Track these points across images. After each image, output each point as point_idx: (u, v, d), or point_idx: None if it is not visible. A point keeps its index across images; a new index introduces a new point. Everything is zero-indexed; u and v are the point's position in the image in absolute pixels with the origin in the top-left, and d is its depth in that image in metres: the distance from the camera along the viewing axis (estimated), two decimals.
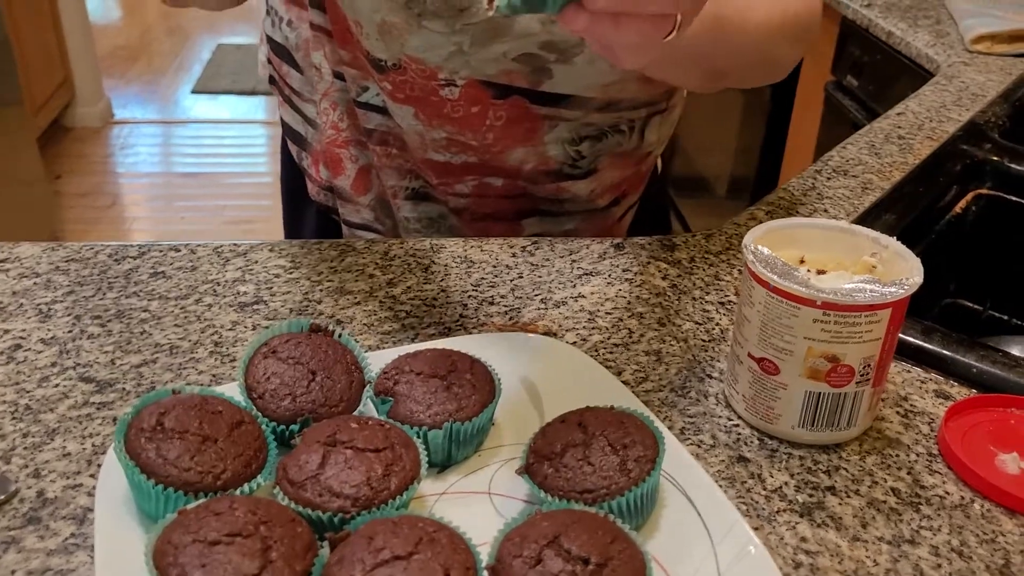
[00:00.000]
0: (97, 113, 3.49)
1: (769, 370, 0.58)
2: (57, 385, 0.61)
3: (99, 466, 0.54)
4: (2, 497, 0.52)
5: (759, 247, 0.58)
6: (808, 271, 0.58)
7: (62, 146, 3.32)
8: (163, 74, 4.07)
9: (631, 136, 0.85)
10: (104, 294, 0.71)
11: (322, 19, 0.81)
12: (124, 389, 0.61)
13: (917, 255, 0.59)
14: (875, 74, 1.62)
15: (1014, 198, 0.97)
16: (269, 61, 0.96)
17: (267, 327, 0.64)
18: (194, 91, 3.89)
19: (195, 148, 3.44)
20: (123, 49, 4.30)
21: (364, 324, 0.69)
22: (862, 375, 0.57)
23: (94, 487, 0.53)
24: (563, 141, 0.82)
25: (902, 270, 0.58)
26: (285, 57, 0.90)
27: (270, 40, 0.93)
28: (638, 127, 0.85)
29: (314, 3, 0.81)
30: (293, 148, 0.95)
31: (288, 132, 0.96)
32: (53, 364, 0.63)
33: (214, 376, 0.63)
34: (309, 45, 0.85)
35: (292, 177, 0.98)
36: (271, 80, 0.97)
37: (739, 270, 0.78)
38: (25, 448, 0.56)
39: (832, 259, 0.61)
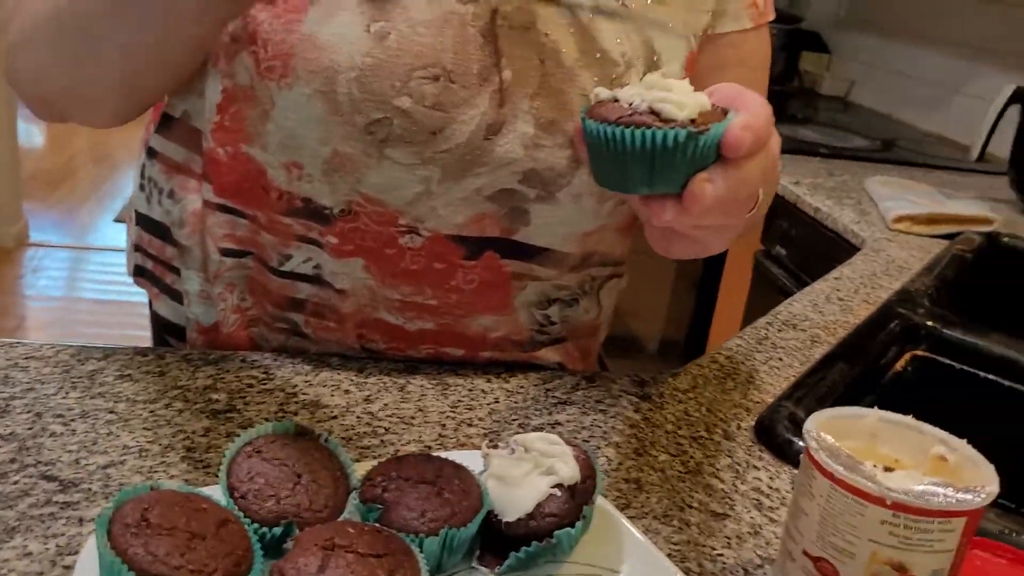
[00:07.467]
0: (13, 234, 3.41)
1: (827, 572, 0.52)
2: (16, 482, 0.57)
3: (65, 567, 0.50)
4: None
5: (823, 434, 0.53)
6: (875, 466, 0.52)
7: None
8: (86, 200, 4.02)
9: (590, 299, 0.81)
10: (67, 393, 0.67)
11: (212, 191, 0.73)
12: (90, 489, 0.58)
13: (867, 406, 0.57)
14: (803, 245, 1.72)
15: (947, 361, 1.02)
16: (137, 248, 0.83)
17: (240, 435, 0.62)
18: (116, 220, 3.84)
19: (106, 275, 3.37)
20: (47, 173, 4.25)
21: (343, 438, 0.67)
22: None
23: None
24: (530, 305, 0.77)
25: (973, 476, 0.52)
26: (165, 236, 0.79)
27: (143, 220, 0.81)
28: (595, 289, 0.81)
29: (207, 174, 0.72)
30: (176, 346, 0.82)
31: (167, 329, 0.83)
32: (12, 460, 0.59)
33: (187, 480, 0.60)
34: (199, 219, 0.75)
35: None
36: (139, 272, 0.84)
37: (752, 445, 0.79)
38: None
39: (896, 455, 0.55)
